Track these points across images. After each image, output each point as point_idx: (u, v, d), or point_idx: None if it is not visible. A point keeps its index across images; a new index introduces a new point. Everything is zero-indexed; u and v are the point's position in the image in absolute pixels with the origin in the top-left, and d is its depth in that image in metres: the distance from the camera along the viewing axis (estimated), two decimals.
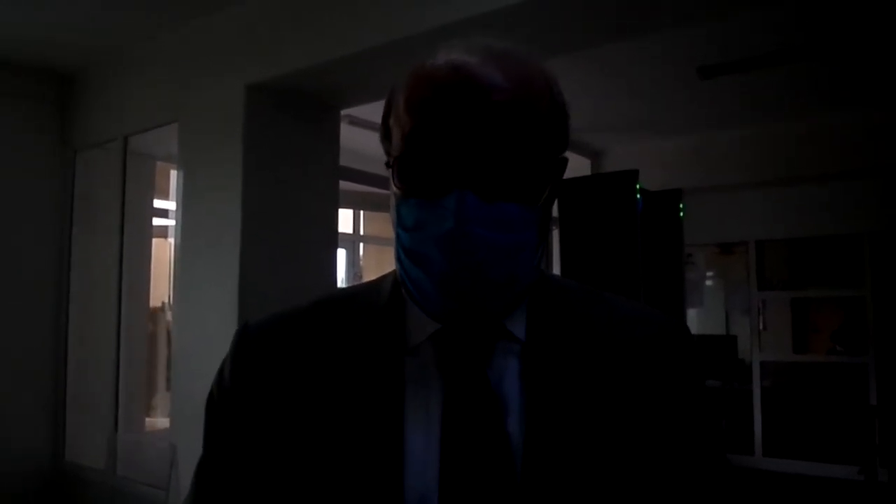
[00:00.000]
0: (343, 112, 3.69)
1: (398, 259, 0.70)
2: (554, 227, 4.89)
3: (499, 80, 0.65)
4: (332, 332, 0.74)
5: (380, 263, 7.14)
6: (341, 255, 6.11)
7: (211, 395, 0.77)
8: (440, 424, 0.67)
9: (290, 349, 0.73)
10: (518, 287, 0.70)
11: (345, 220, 6.37)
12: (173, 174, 3.90)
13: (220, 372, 0.77)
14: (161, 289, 5.21)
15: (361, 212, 6.77)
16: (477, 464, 0.65)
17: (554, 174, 0.72)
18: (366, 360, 0.70)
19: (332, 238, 3.60)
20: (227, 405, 0.75)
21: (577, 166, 5.61)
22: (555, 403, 0.68)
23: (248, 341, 0.76)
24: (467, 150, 0.64)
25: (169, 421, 3.62)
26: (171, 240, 3.98)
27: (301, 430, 0.68)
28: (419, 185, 0.66)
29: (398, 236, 0.69)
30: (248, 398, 0.72)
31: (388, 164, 0.71)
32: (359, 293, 0.80)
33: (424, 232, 0.65)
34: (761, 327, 6.65)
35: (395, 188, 0.69)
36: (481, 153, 0.64)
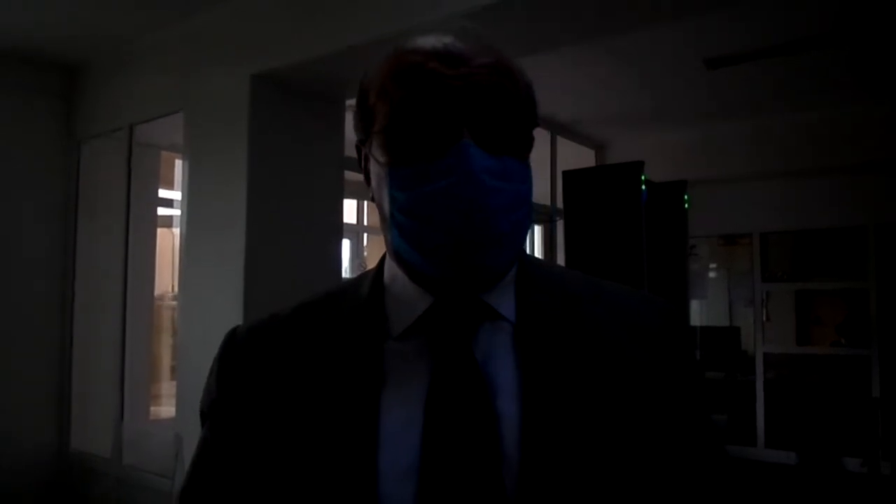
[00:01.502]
0: (348, 102, 3.68)
1: (395, 225, 0.68)
2: (558, 218, 4.89)
3: (479, 49, 0.68)
4: (314, 330, 0.75)
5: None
6: (345, 245, 6.11)
7: (202, 403, 0.79)
8: (423, 404, 0.68)
9: (274, 351, 0.75)
10: (520, 243, 0.71)
11: (349, 210, 6.37)
12: (178, 164, 3.91)
13: (208, 379, 0.79)
14: (166, 278, 5.24)
15: (366, 202, 6.76)
16: (460, 440, 0.65)
17: (531, 144, 0.73)
18: (345, 351, 0.71)
19: (337, 228, 3.61)
20: (214, 411, 0.76)
21: (581, 157, 5.60)
22: (552, 383, 0.68)
23: (233, 347, 0.78)
24: (464, 106, 0.65)
25: (174, 410, 3.64)
26: (176, 229, 4.00)
27: (284, 425, 0.69)
28: (415, 148, 0.66)
29: (393, 199, 0.67)
30: (233, 401, 0.74)
31: (361, 143, 0.74)
32: (339, 291, 0.81)
33: (429, 187, 0.65)
34: (765, 319, 6.63)
35: (380, 160, 0.69)
36: (477, 108, 0.65)
